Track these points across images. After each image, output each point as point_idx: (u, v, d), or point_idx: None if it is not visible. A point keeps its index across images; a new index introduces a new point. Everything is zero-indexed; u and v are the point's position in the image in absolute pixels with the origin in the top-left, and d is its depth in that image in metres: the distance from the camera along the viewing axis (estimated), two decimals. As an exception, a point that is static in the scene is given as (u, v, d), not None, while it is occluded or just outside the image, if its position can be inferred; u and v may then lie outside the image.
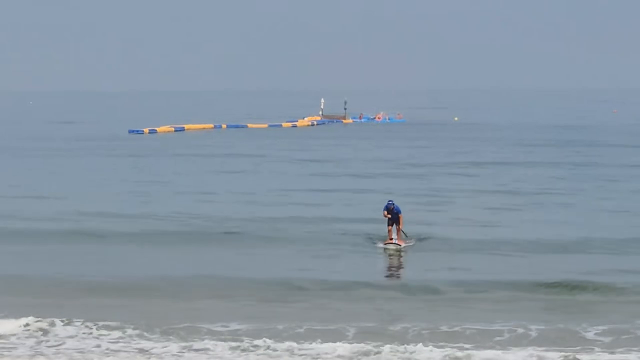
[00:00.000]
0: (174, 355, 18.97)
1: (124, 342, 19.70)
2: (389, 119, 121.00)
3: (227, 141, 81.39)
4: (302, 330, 20.50)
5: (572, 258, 28.33)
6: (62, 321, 20.68)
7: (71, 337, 20.05)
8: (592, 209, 38.10)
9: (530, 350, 19.12)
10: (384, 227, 29.65)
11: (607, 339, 19.90)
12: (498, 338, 19.99)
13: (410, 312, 22.13)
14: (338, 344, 19.28)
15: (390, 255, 28.78)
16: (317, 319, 21.41)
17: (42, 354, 19.06)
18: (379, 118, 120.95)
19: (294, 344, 19.42)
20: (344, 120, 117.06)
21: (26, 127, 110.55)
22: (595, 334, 20.27)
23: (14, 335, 20.06)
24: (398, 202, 29.81)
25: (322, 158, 62.91)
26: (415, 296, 23.76)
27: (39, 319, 20.74)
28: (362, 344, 19.29)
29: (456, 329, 20.52)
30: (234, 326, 20.79)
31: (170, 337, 20.00)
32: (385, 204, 29.49)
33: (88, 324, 20.61)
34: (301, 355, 18.88)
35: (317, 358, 18.76)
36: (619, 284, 24.51)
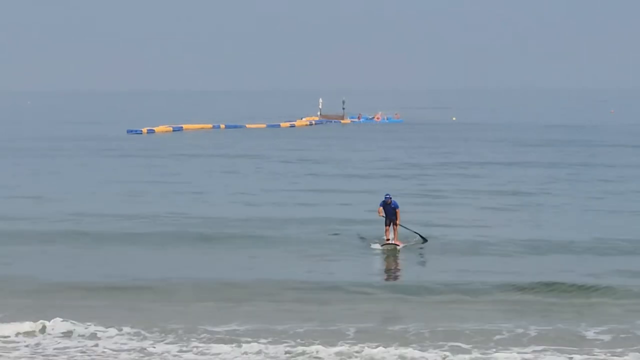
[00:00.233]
0: (173, 355, 19.00)
1: (123, 343, 19.71)
2: (387, 119, 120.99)
3: (225, 141, 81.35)
4: (301, 330, 20.52)
5: (572, 259, 28.31)
6: (61, 322, 20.66)
7: (70, 337, 20.05)
8: (591, 210, 38.04)
9: (530, 349, 19.15)
10: (381, 228, 29.61)
11: (606, 339, 19.94)
12: (498, 336, 20.01)
13: (408, 313, 22.14)
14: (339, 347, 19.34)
15: (387, 256, 28.72)
16: (316, 319, 21.43)
17: (41, 354, 19.07)
18: (377, 118, 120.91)
19: (294, 344, 19.45)
20: (342, 121, 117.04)
21: (24, 127, 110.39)
22: (595, 333, 20.30)
23: (13, 336, 20.06)
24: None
25: (319, 158, 62.84)
26: (413, 297, 23.73)
27: (38, 319, 20.72)
28: (363, 345, 19.34)
29: (455, 329, 20.53)
30: (232, 327, 20.79)
31: (170, 337, 20.01)
32: (383, 198, 29.46)
33: (87, 324, 20.61)
34: (301, 355, 18.90)
35: (317, 358, 18.80)
36: (618, 285, 24.46)
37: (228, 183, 48.03)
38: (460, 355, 18.77)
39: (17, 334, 20.07)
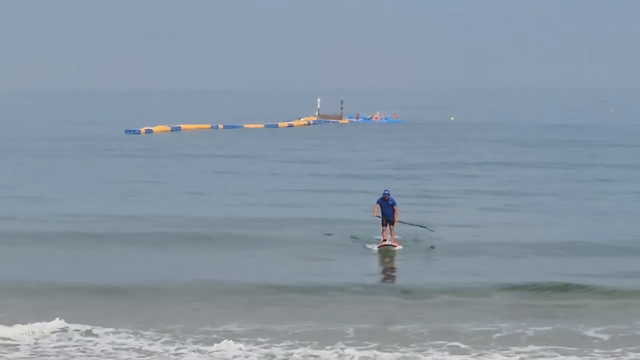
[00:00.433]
0: (172, 355, 18.98)
1: (122, 342, 19.70)
2: (385, 119, 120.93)
3: (223, 141, 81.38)
4: (300, 331, 20.51)
5: (571, 260, 28.24)
6: (61, 322, 20.63)
7: (69, 337, 20.04)
8: (590, 211, 37.94)
9: (529, 349, 19.17)
10: (378, 228, 29.50)
11: (605, 339, 19.96)
12: (497, 337, 20.02)
13: (407, 313, 22.14)
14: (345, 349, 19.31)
15: (385, 257, 28.62)
16: (315, 320, 21.43)
17: (41, 355, 19.08)
18: (376, 118, 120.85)
19: (294, 345, 19.44)
20: (340, 121, 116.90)
21: (24, 127, 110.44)
22: (594, 333, 20.31)
23: (13, 336, 20.01)
24: (393, 203, 29.71)
25: (316, 159, 62.79)
26: (412, 297, 23.71)
27: (37, 320, 20.71)
28: (363, 346, 19.35)
29: (454, 329, 20.54)
30: (231, 327, 20.79)
31: (169, 338, 19.98)
32: (381, 195, 29.29)
33: (86, 325, 20.57)
34: (301, 355, 18.87)
35: (317, 358, 18.77)
36: (617, 286, 24.43)
37: (226, 183, 48.05)
38: (460, 356, 18.81)
39: (17, 335, 20.04)
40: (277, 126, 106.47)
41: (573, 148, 71.93)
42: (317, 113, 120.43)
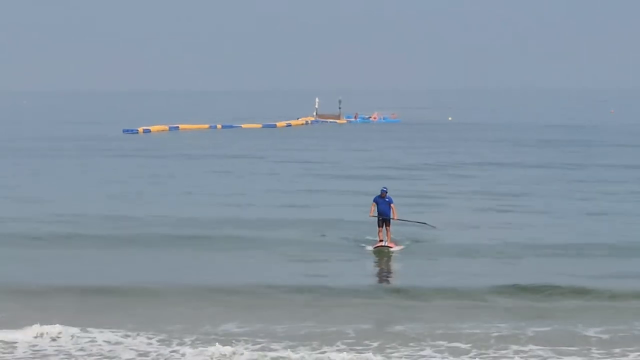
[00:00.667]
0: (171, 355, 18.95)
1: (122, 343, 19.69)
2: (383, 119, 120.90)
3: (220, 141, 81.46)
4: (299, 332, 20.52)
5: (570, 261, 28.19)
6: (59, 324, 20.54)
7: (67, 339, 20.00)
8: (590, 211, 37.84)
9: (528, 348, 19.20)
10: (376, 229, 29.34)
11: (604, 339, 19.96)
12: (496, 337, 20.01)
13: (406, 314, 22.13)
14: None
15: (383, 258, 28.53)
16: (314, 320, 21.44)
17: (40, 355, 19.08)
18: (374, 118, 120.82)
19: (293, 345, 19.40)
20: (338, 121, 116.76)
21: (23, 127, 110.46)
22: (594, 333, 20.33)
23: (12, 338, 19.97)
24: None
25: (314, 159, 62.73)
26: (410, 298, 23.68)
27: (35, 322, 20.64)
28: (363, 346, 19.36)
29: (453, 330, 20.55)
30: (230, 328, 20.80)
31: (168, 339, 19.97)
32: (378, 193, 29.14)
33: (85, 325, 20.53)
34: (300, 356, 18.83)
35: (317, 358, 18.76)
36: (616, 287, 24.39)
37: (225, 183, 48.04)
38: (460, 356, 18.81)
39: (16, 335, 20.01)
40: (275, 126, 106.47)
41: (573, 148, 71.96)
42: (315, 113, 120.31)
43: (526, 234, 32.05)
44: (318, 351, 19.00)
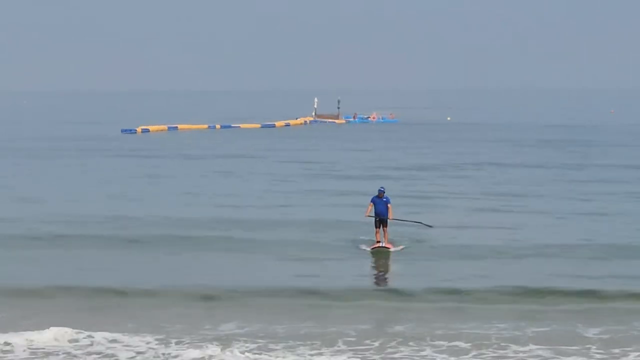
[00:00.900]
0: (170, 355, 18.95)
1: (121, 343, 19.68)
2: (382, 119, 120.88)
3: (219, 141, 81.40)
4: (299, 332, 20.50)
5: (570, 261, 28.16)
6: (57, 325, 20.50)
7: (66, 340, 19.97)
8: (590, 212, 37.81)
9: (527, 348, 19.23)
10: (373, 230, 29.31)
11: (604, 339, 19.98)
12: (496, 337, 20.03)
13: (406, 315, 22.12)
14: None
15: (381, 259, 28.48)
16: (314, 320, 21.45)
17: (39, 356, 19.08)
18: (373, 118, 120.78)
19: (293, 346, 19.40)
20: (336, 121, 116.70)
21: (23, 127, 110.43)
22: (593, 333, 20.36)
23: (10, 339, 19.94)
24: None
25: (312, 159, 62.66)
26: (410, 299, 23.71)
27: (35, 321, 20.73)
28: (363, 345, 19.38)
29: (453, 330, 20.56)
30: (230, 328, 20.81)
31: (167, 339, 19.97)
32: (376, 193, 29.09)
33: (84, 326, 20.53)
34: (300, 356, 18.83)
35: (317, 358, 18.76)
36: (616, 288, 24.39)
37: (224, 183, 48.02)
38: (460, 356, 18.81)
39: (15, 336, 20.00)
40: (274, 126, 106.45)
41: (573, 148, 71.92)
42: (314, 113, 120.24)
43: (526, 234, 32.04)
44: (318, 351, 18.99)
